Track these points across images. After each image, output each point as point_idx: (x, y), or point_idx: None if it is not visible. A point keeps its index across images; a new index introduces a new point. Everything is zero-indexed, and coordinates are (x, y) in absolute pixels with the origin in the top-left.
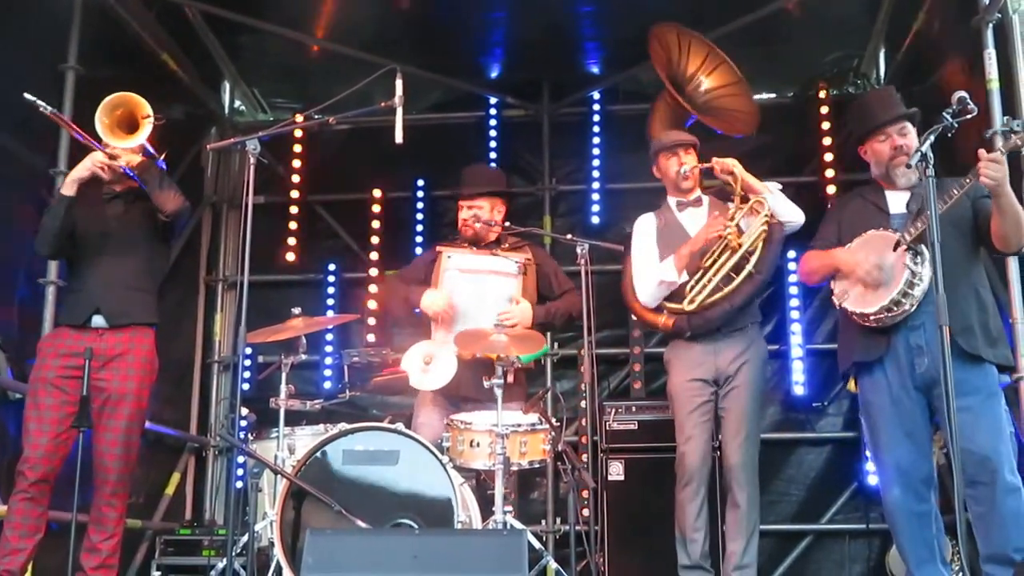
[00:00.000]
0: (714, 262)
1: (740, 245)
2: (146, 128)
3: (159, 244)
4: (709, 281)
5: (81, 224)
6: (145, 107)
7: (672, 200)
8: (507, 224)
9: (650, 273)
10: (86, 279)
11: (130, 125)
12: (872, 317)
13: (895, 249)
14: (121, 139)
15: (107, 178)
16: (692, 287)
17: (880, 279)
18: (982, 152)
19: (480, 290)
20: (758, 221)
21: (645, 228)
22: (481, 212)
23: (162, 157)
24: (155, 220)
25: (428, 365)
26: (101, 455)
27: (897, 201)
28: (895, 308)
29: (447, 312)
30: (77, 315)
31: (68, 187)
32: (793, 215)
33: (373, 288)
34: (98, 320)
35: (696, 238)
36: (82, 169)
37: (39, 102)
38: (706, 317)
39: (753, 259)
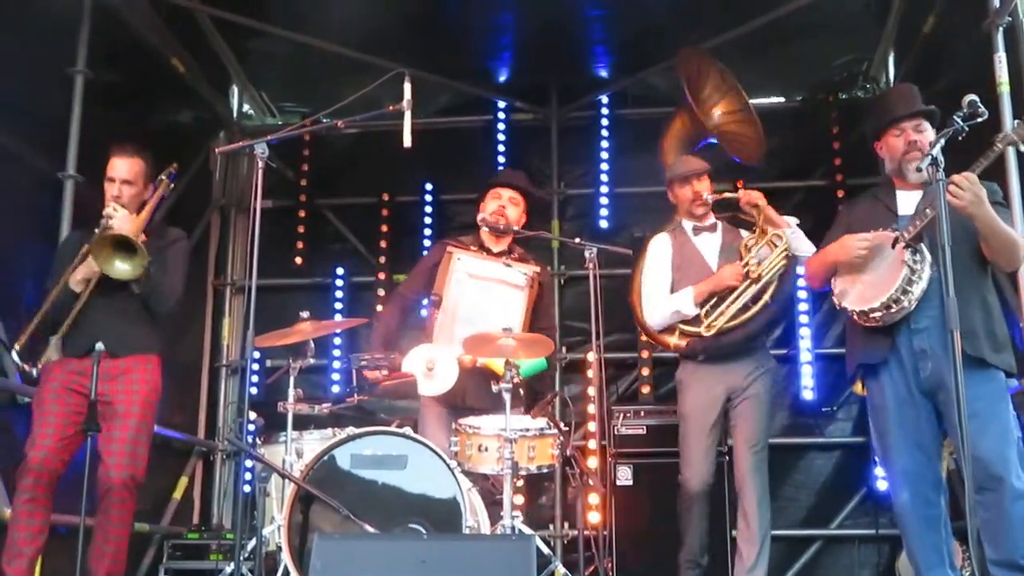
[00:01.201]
0: (732, 290)
1: (760, 277)
2: (141, 262)
3: None
4: (727, 308)
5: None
6: (142, 254)
7: (688, 224)
8: (514, 228)
9: (664, 301)
10: (87, 314)
11: (126, 246)
12: (872, 315)
13: (893, 246)
14: (114, 264)
15: None
16: (710, 313)
17: (869, 256)
18: (954, 176)
19: (486, 298)
20: (777, 255)
21: (660, 251)
22: (515, 211)
23: (172, 168)
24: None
25: (431, 371)
26: (107, 467)
27: (908, 202)
28: (894, 305)
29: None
30: (78, 348)
31: (77, 284)
32: (808, 251)
33: (381, 292)
34: (99, 345)
35: (719, 280)
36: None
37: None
38: (721, 343)
39: (770, 290)
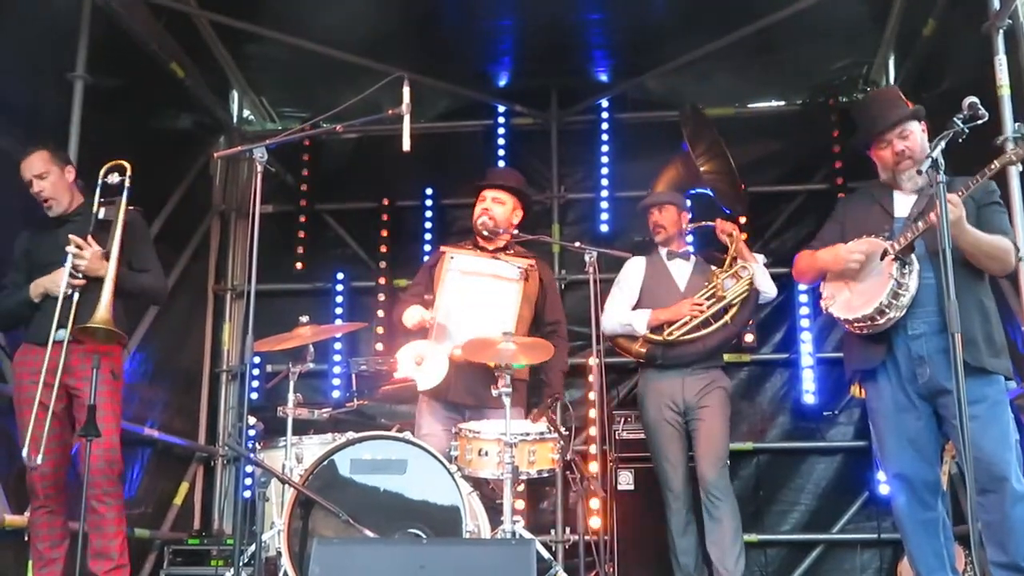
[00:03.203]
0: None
1: (724, 297)
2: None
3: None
4: (691, 320)
5: (35, 248)
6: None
7: (663, 250)
8: (515, 232)
9: (622, 314)
10: (47, 300)
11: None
12: (856, 324)
13: (882, 258)
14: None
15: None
16: (672, 323)
17: (859, 269)
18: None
19: (478, 292)
20: (743, 283)
21: (633, 271)
22: (501, 210)
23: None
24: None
25: (420, 365)
26: (94, 459)
27: (904, 204)
28: (879, 317)
29: (427, 323)
30: (40, 334)
31: (37, 297)
32: (769, 289)
33: (381, 297)
34: (61, 333)
35: (677, 311)
36: (54, 286)
37: None
38: (680, 351)
39: (731, 312)
